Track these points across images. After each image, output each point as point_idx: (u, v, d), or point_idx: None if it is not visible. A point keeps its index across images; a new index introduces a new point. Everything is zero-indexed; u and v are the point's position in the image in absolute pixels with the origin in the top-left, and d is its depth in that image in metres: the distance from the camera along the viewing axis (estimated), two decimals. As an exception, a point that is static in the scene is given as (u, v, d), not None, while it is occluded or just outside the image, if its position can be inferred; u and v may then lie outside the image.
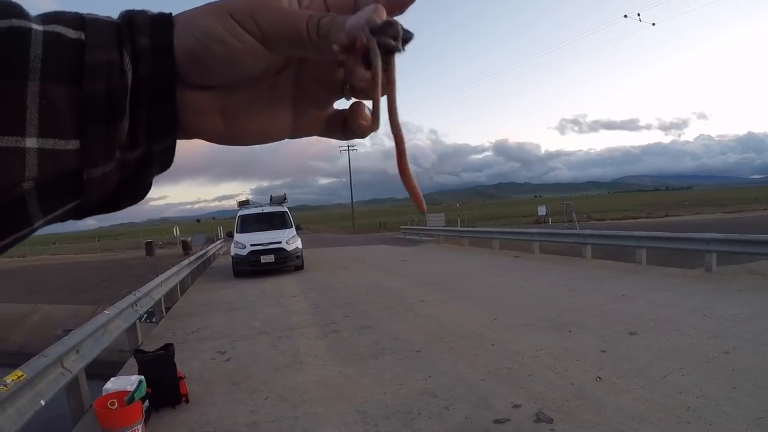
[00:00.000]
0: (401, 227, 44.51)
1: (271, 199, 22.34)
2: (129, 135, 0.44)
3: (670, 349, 6.89)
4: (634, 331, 7.88)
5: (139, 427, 5.12)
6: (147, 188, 0.50)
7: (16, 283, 30.64)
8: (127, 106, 0.43)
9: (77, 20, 0.42)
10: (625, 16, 33.18)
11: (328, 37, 0.44)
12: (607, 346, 7.25)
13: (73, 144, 0.40)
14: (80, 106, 0.40)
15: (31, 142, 0.37)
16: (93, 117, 0.41)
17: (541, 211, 51.93)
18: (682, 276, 12.74)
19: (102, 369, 7.03)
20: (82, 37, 0.41)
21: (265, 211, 21.35)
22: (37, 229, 0.42)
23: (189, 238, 41.99)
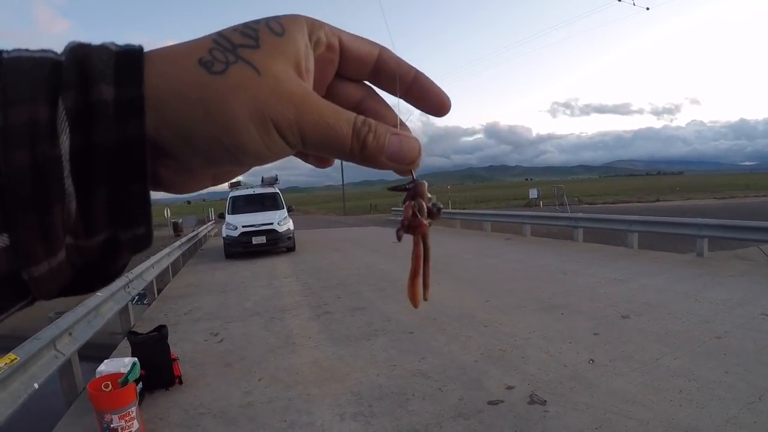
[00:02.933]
0: (392, 209, 44.51)
1: (262, 181, 22.28)
2: (82, 220, 0.35)
3: (662, 333, 6.92)
4: (627, 314, 7.92)
5: (134, 409, 5.10)
6: (122, 269, 0.40)
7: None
8: (69, 185, 0.33)
9: None
10: (619, 0, 33.02)
11: (370, 159, 0.43)
12: (600, 329, 7.28)
13: (2, 240, 0.32)
14: (0, 187, 0.31)
15: None
16: (19, 202, 0.32)
17: (533, 193, 52.02)
18: (673, 261, 12.79)
19: (95, 351, 7.02)
20: None
21: (256, 192, 21.30)
22: None
23: (180, 220, 41.83)
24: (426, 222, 0.53)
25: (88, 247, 0.36)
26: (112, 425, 4.92)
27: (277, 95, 0.38)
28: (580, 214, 19.03)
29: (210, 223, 37.06)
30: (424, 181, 0.52)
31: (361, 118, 0.42)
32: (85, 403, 5.45)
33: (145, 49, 0.37)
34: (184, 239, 20.28)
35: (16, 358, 4.90)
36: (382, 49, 0.48)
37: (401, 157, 0.44)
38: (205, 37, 0.40)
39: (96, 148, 0.34)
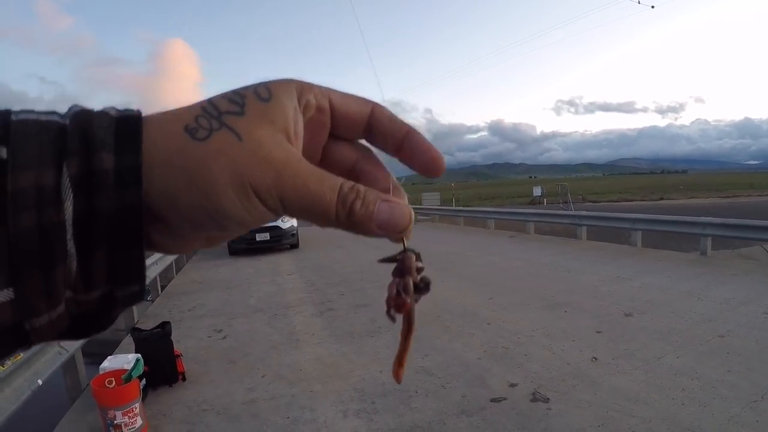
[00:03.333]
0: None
1: None
2: (81, 277, 0.36)
3: (665, 332, 6.92)
4: (630, 312, 7.91)
5: (137, 405, 5.12)
6: (115, 319, 0.41)
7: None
8: (71, 247, 0.35)
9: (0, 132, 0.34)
10: (624, -2, 32.92)
11: (358, 227, 0.43)
12: (603, 326, 7.28)
13: (5, 294, 0.33)
14: (8, 245, 0.33)
15: None
16: (24, 260, 0.33)
17: (536, 191, 51.96)
18: (676, 259, 12.76)
19: (98, 348, 7.03)
20: (4, 154, 0.33)
21: None
22: None
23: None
24: (411, 301, 0.51)
25: (85, 300, 0.37)
26: (115, 421, 4.95)
27: (257, 160, 0.39)
28: (583, 212, 19.00)
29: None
30: (414, 253, 0.52)
31: (349, 184, 0.42)
32: (88, 399, 5.48)
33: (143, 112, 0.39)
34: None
35: (19, 355, 4.92)
36: (375, 106, 0.48)
37: (391, 225, 0.44)
38: (195, 104, 0.40)
39: (97, 214, 0.35)
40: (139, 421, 5.08)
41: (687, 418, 4.61)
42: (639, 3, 33.01)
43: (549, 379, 5.60)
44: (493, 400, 5.18)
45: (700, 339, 6.59)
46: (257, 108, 0.41)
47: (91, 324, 0.39)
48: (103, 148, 0.35)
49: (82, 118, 0.36)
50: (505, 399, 5.20)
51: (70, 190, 0.34)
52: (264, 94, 0.41)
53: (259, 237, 18.55)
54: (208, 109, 0.40)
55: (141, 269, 0.38)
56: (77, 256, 0.35)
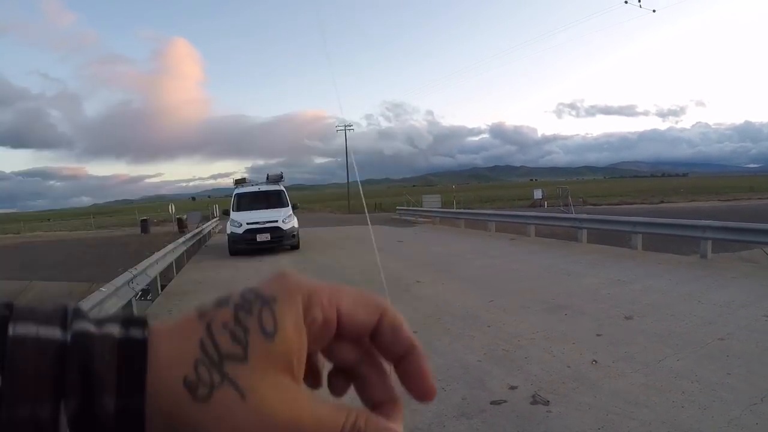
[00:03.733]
0: (397, 208, 44.37)
1: (267, 178, 22.22)
2: None
3: (665, 334, 6.94)
4: (630, 315, 7.93)
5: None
6: None
7: (10, 259, 30.63)
8: None
9: None
10: (626, 2, 33.00)
11: None
12: (603, 330, 7.30)
13: None
14: None
15: None
16: None
17: (537, 194, 52.00)
18: (677, 262, 12.82)
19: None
20: None
21: (261, 189, 21.27)
22: None
23: (184, 216, 41.86)
24: None
25: None
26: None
27: (260, 424, 0.37)
28: (584, 215, 19.05)
29: (214, 219, 37.10)
30: None
31: (351, 421, 0.41)
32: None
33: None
34: (188, 235, 20.33)
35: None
36: (384, 314, 0.46)
37: None
38: (194, 335, 0.39)
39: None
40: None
41: (687, 421, 4.63)
42: (641, 7, 33.07)
43: (549, 382, 5.61)
44: (493, 403, 5.19)
45: (700, 342, 6.60)
46: (262, 350, 0.39)
47: None
48: (104, 390, 0.35)
49: (82, 347, 0.35)
50: (505, 401, 5.21)
51: (68, 429, 0.33)
52: (269, 326, 0.39)
53: (260, 237, 18.58)
54: (209, 350, 0.38)
55: None
56: None
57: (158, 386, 0.36)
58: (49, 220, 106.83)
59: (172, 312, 10.13)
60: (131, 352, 0.36)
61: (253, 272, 14.77)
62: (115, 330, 0.37)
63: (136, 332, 0.37)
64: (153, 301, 11.92)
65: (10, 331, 0.34)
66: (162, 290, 13.02)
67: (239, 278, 13.94)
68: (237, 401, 0.37)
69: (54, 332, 0.35)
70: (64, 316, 0.36)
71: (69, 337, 0.35)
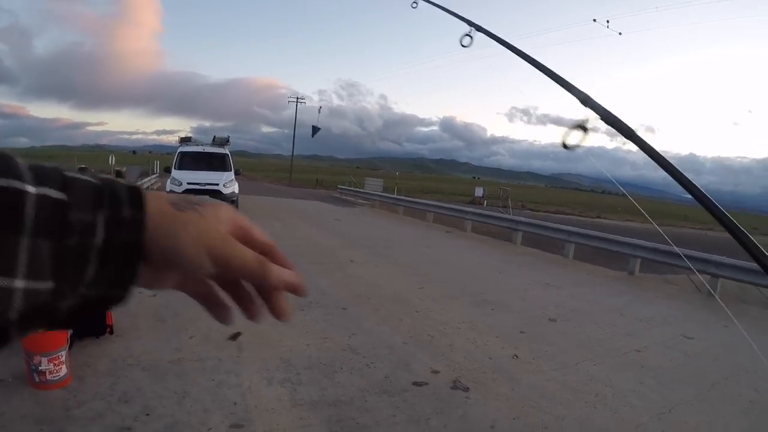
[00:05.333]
0: (338, 186, 44.26)
1: (213, 140, 21.88)
2: (95, 280, 0.50)
3: (585, 340, 7.18)
4: (554, 318, 8.18)
5: (63, 353, 5.04)
6: (94, 312, 0.57)
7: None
8: (95, 260, 0.50)
9: (61, 183, 0.49)
10: (594, 20, 33.46)
11: (268, 281, 0.62)
12: (527, 328, 7.50)
13: (48, 285, 0.47)
14: (57, 255, 0.47)
15: (19, 283, 0.44)
16: (66, 265, 0.48)
17: (478, 192, 52.53)
18: (605, 276, 13.21)
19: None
20: (65, 198, 0.48)
21: (206, 150, 20.84)
22: (10, 342, 0.48)
23: (123, 169, 40.88)
24: None
25: (90, 296, 0.52)
26: (40, 367, 4.85)
27: (211, 230, 0.57)
28: (521, 218, 19.34)
29: (154, 176, 36.32)
30: None
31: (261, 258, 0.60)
32: (16, 345, 5.39)
33: None
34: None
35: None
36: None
37: (288, 278, 0.65)
38: (167, 195, 0.59)
39: (115, 244, 0.51)
40: (63, 370, 5.00)
41: (598, 421, 4.83)
42: (608, 27, 33.55)
43: (470, 370, 5.75)
44: (415, 384, 5.31)
45: (618, 351, 6.86)
46: (209, 208, 0.59)
47: (86, 313, 0.54)
48: (123, 205, 0.52)
49: (110, 185, 0.53)
50: (426, 384, 5.32)
51: (103, 227, 0.50)
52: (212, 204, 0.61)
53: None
54: (182, 199, 0.59)
55: (131, 282, 0.54)
56: (95, 268, 0.50)
57: (153, 206, 0.54)
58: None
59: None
60: (134, 190, 0.55)
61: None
62: (124, 183, 0.55)
63: (134, 186, 0.56)
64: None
65: (66, 173, 0.51)
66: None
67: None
68: (198, 217, 0.57)
69: (88, 177, 0.53)
70: (93, 174, 0.56)
71: (99, 182, 0.53)
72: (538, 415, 4.85)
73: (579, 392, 5.44)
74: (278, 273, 0.62)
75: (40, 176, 0.48)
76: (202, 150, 20.92)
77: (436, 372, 5.64)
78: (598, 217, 59.19)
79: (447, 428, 4.48)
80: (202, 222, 0.56)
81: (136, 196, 0.54)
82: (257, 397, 4.99)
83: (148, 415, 4.64)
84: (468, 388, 5.28)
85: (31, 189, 0.46)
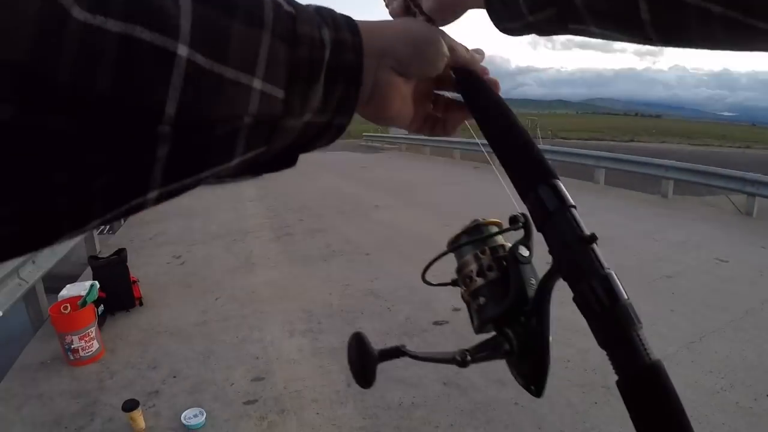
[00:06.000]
0: (363, 134, 44.00)
1: None
2: (321, 102, 0.50)
3: (613, 266, 7.09)
4: (582, 245, 8.08)
5: (93, 329, 5.21)
6: (294, 161, 0.58)
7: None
8: (322, 76, 0.49)
9: None
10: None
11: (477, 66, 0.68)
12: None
13: (280, 93, 0.45)
14: (291, 63, 0.45)
15: (257, 83, 0.42)
16: (297, 76, 0.46)
17: (505, 125, 51.85)
18: (638, 200, 12.98)
19: (65, 282, 7.07)
20: (293, 11, 0.47)
21: None
22: (228, 168, 0.45)
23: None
24: None
25: (315, 122, 0.51)
26: (72, 346, 5.05)
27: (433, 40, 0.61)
28: (548, 147, 19.01)
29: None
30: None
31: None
32: (50, 327, 5.56)
33: None
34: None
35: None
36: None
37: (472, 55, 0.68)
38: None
39: (339, 64, 0.50)
40: (95, 345, 5.19)
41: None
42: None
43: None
44: (435, 323, 5.39)
45: (648, 277, 6.81)
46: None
47: (291, 155, 0.56)
48: (343, 28, 0.51)
49: (329, 11, 0.52)
50: (447, 322, 5.41)
51: (329, 45, 0.49)
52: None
53: None
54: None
55: (354, 105, 0.54)
56: (324, 86, 0.49)
57: (366, 25, 0.56)
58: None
59: (133, 241, 10.12)
60: (349, 17, 0.55)
61: (214, 199, 14.67)
62: (339, 14, 0.55)
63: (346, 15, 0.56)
64: (115, 233, 11.88)
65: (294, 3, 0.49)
66: (124, 221, 12.93)
67: (200, 205, 13.82)
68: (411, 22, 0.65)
69: (306, 5, 0.51)
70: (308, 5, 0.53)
71: (316, 8, 0.52)
72: (562, 348, 4.84)
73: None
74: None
75: None
76: None
77: (456, 310, 5.65)
78: (632, 140, 58.12)
79: (466, 366, 4.53)
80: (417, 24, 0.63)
81: (352, 22, 0.54)
82: (278, 350, 5.12)
83: (174, 377, 4.80)
84: (489, 324, 5.30)
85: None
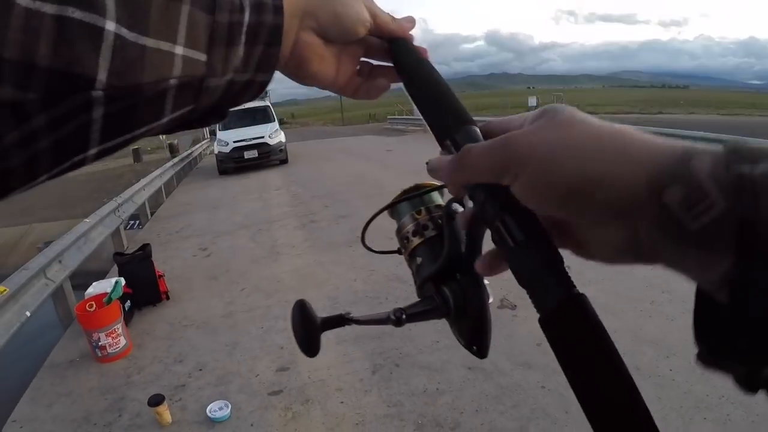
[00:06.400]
0: (388, 117, 43.89)
1: None
2: (242, 62, 0.51)
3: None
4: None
5: (119, 326, 5.26)
6: (226, 114, 0.60)
7: (7, 204, 30.54)
8: (243, 38, 0.50)
9: None
10: None
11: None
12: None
13: (203, 57, 0.47)
14: (211, 28, 0.47)
15: (179, 50, 0.45)
16: (218, 39, 0.48)
17: (531, 102, 51.52)
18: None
19: (94, 279, 7.16)
20: None
21: (246, 106, 21.06)
22: (160, 126, 0.49)
23: (176, 141, 41.34)
24: None
25: (238, 80, 0.52)
26: (100, 343, 5.11)
27: None
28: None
29: (204, 141, 36.73)
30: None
31: None
32: (79, 326, 5.62)
33: None
34: (176, 159, 20.20)
35: (5, 290, 5.02)
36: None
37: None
38: None
39: (262, 25, 0.51)
40: (122, 341, 5.25)
41: (652, 331, 4.72)
42: None
43: (519, 288, 5.69)
44: (461, 307, 5.31)
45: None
46: None
47: (221, 110, 0.57)
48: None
49: None
50: (473, 306, 5.32)
51: (248, 7, 0.50)
52: None
53: (248, 154, 18.53)
54: None
55: (275, 63, 0.54)
56: (244, 47, 0.50)
57: None
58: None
59: (160, 235, 10.23)
60: None
61: (240, 189, 14.83)
62: None
63: None
64: (143, 227, 12.01)
65: None
66: (151, 216, 13.08)
67: (226, 196, 14.02)
68: None
69: None
70: None
71: None
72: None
73: (634, 301, 5.32)
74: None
75: None
76: (242, 107, 20.95)
77: (483, 293, 5.57)
78: (660, 113, 57.28)
79: (492, 348, 4.44)
80: None
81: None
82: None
83: (200, 370, 4.84)
84: (515, 305, 5.25)
85: None
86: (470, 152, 0.50)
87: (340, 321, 0.61)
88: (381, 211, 0.74)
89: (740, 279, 0.35)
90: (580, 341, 0.43)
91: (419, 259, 0.64)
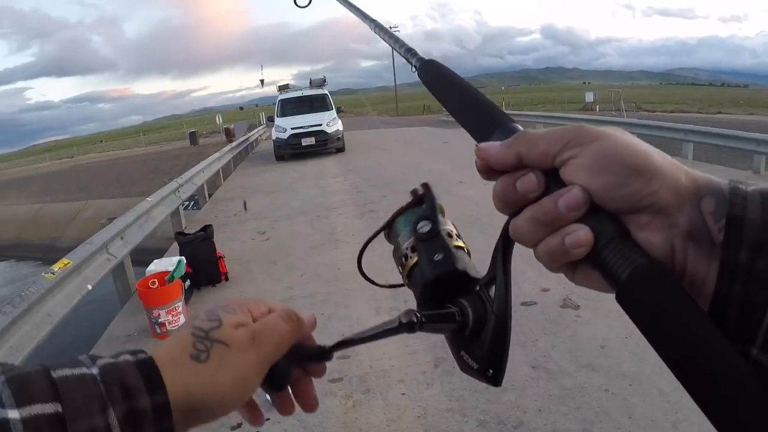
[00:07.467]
0: (443, 109, 43.76)
1: (311, 83, 22.30)
2: None
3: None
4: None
5: (180, 304, 5.34)
6: None
7: (67, 182, 31.39)
8: None
9: (51, 391, 0.42)
10: None
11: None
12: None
13: None
14: None
15: None
16: None
17: (589, 97, 50.71)
18: (727, 176, 12.19)
19: (146, 256, 7.27)
20: (60, 409, 0.41)
21: (305, 94, 21.22)
22: None
23: (231, 126, 41.98)
24: None
25: None
26: (159, 320, 5.19)
27: (248, 360, 0.53)
28: (634, 120, 18.49)
29: (261, 127, 37.04)
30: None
31: None
32: (137, 302, 5.70)
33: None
34: (234, 144, 20.45)
35: (69, 262, 5.12)
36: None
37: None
38: (186, 333, 0.52)
39: None
40: (182, 319, 5.30)
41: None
42: None
43: (581, 287, 5.59)
44: (523, 304, 5.21)
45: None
46: (228, 319, 0.54)
47: None
48: (139, 393, 0.45)
49: (112, 370, 0.46)
50: (535, 303, 5.22)
51: (119, 428, 0.43)
52: (230, 309, 0.56)
53: (305, 141, 18.60)
54: (197, 333, 0.52)
55: None
56: None
57: (175, 373, 0.48)
58: (101, 141, 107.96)
59: (218, 217, 10.34)
60: (147, 366, 0.47)
61: (297, 175, 14.90)
62: (129, 358, 0.48)
63: (141, 355, 0.49)
64: (200, 208, 12.17)
65: (53, 374, 0.43)
66: (209, 197, 13.27)
67: (283, 182, 14.09)
68: (225, 351, 0.52)
69: (83, 369, 0.46)
70: (87, 359, 0.48)
71: (97, 370, 0.46)
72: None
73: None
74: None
75: (22, 392, 0.41)
76: (300, 94, 21.32)
77: (545, 290, 5.49)
78: (719, 112, 55.54)
79: (555, 349, 4.38)
80: (230, 353, 0.52)
81: (151, 375, 0.47)
82: (365, 327, 5.07)
83: (259, 354, 4.81)
84: (578, 306, 5.10)
85: (13, 414, 0.39)
86: (525, 134, 0.50)
87: (341, 345, 0.59)
88: (377, 233, 0.68)
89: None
90: (663, 310, 0.41)
91: (412, 288, 0.63)
